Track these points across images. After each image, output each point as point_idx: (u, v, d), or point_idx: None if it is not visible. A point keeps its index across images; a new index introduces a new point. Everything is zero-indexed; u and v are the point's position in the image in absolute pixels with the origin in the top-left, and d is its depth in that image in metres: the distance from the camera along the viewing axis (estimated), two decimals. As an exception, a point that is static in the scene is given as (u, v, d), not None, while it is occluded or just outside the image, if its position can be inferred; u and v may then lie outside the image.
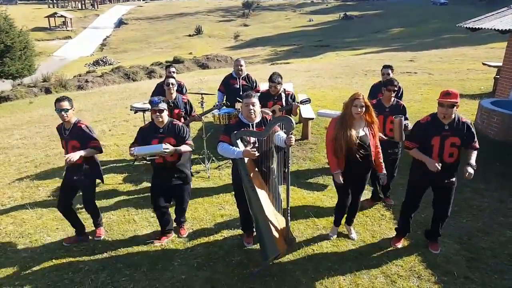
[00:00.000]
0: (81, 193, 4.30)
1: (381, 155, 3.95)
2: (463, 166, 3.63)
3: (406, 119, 4.62)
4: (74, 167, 4.03)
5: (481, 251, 4.00)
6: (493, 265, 3.78)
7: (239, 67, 6.22)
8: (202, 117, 5.53)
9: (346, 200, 4.07)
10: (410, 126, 4.32)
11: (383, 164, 3.95)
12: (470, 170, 3.57)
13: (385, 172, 3.96)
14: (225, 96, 6.38)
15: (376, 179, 4.61)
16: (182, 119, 5.21)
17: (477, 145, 3.68)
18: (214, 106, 5.54)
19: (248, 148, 3.61)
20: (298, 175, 5.90)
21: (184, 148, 4.01)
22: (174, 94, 5.25)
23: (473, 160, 3.64)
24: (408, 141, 3.84)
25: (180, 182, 4.16)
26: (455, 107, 3.53)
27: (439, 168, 3.57)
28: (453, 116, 3.60)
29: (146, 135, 4.03)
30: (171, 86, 5.18)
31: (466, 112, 8.42)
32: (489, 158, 6.03)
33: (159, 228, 4.45)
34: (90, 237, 4.36)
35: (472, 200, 5.04)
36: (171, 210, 4.35)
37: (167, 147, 3.83)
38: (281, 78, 5.29)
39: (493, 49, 20.75)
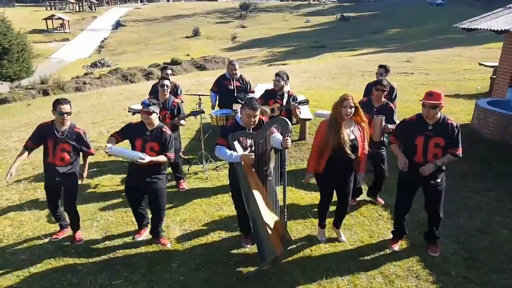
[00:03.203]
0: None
1: (366, 158, 3.96)
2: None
3: (393, 121, 4.61)
4: (58, 168, 4.04)
5: (479, 250, 4.02)
6: (491, 265, 3.79)
7: (233, 71, 6.25)
8: (181, 121, 5.45)
9: (328, 200, 4.11)
10: (390, 127, 4.38)
11: (365, 166, 3.98)
12: (428, 167, 3.56)
13: (363, 175, 4.01)
14: (217, 96, 6.42)
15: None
16: (168, 120, 5.19)
17: (459, 152, 3.61)
18: (191, 112, 5.48)
19: (246, 152, 3.62)
20: (295, 175, 5.91)
21: (160, 158, 3.94)
22: (167, 96, 5.30)
23: (440, 161, 3.60)
24: (392, 136, 3.92)
25: (152, 185, 4.03)
26: (437, 108, 3.54)
27: (406, 167, 3.65)
28: (438, 116, 3.60)
29: (132, 131, 4.04)
30: (165, 88, 5.22)
31: (463, 112, 8.46)
32: (486, 158, 6.06)
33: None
34: (70, 243, 4.30)
35: (469, 199, 5.05)
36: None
37: (144, 158, 3.75)
38: (287, 77, 5.31)
39: (490, 49, 20.84)
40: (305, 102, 5.26)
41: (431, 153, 3.63)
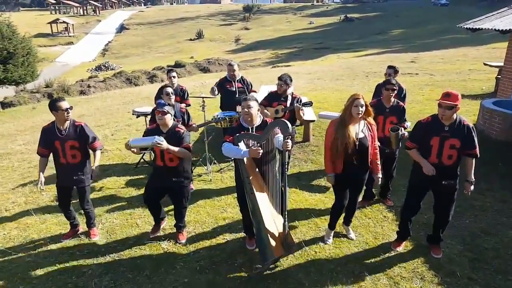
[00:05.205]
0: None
1: (379, 156, 3.95)
2: (462, 180, 3.70)
3: (404, 120, 4.62)
4: (72, 167, 4.11)
5: (484, 251, 4.00)
6: (497, 266, 3.77)
7: (232, 72, 6.25)
8: (199, 128, 5.49)
9: (343, 202, 4.04)
10: (406, 134, 4.41)
11: (379, 165, 3.96)
12: (470, 187, 3.70)
13: (380, 175, 3.96)
14: (219, 96, 6.42)
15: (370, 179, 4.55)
16: None
17: (477, 152, 3.61)
18: (212, 119, 5.51)
19: (253, 147, 3.64)
20: (299, 177, 5.91)
21: (178, 150, 3.94)
22: (172, 103, 5.20)
23: (471, 175, 3.67)
24: (409, 141, 3.85)
25: (177, 185, 4.15)
26: (454, 109, 3.49)
27: (434, 172, 3.59)
28: (454, 117, 3.56)
29: (151, 135, 4.08)
30: (170, 95, 5.16)
31: (468, 112, 8.41)
32: (491, 159, 6.01)
33: (162, 233, 4.49)
34: (87, 239, 4.39)
35: (474, 200, 5.02)
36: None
37: (161, 140, 3.78)
38: (291, 80, 5.32)
39: (495, 49, 20.72)
40: (309, 103, 5.26)
41: (446, 154, 3.59)
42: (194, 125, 5.39)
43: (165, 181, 4.12)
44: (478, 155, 3.63)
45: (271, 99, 5.33)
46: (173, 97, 5.25)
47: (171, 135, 4.02)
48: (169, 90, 5.24)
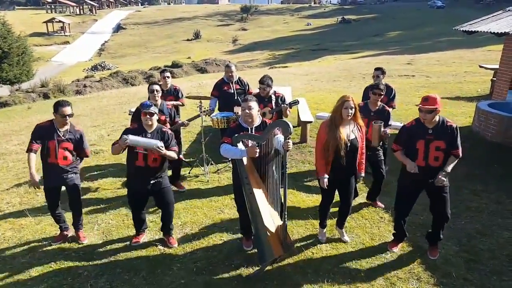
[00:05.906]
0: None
1: (364, 156, 4.01)
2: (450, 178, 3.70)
3: (388, 125, 4.64)
4: (62, 167, 4.09)
5: (479, 252, 4.01)
6: (492, 267, 3.79)
7: (230, 73, 6.21)
8: (189, 123, 5.47)
9: (328, 203, 4.15)
10: (387, 132, 4.46)
11: (363, 165, 4.00)
12: (442, 176, 3.59)
13: (363, 174, 4.03)
14: (217, 101, 6.34)
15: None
16: (168, 125, 5.08)
17: (459, 152, 3.65)
18: (200, 113, 5.43)
19: (250, 146, 3.63)
20: (297, 178, 5.91)
21: (170, 153, 3.99)
22: (159, 101, 5.15)
23: (449, 167, 3.63)
24: (394, 144, 3.91)
25: (157, 187, 4.07)
26: (434, 112, 3.54)
27: (417, 170, 3.65)
28: (436, 119, 3.62)
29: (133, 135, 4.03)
30: (155, 93, 5.08)
31: (464, 114, 8.47)
32: (487, 160, 6.06)
33: (159, 233, 4.46)
34: (78, 243, 4.35)
35: (470, 202, 5.05)
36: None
37: (162, 146, 3.81)
38: (271, 81, 5.36)
39: (490, 51, 20.84)
40: (296, 102, 5.31)
41: (432, 156, 3.63)
42: (184, 122, 5.37)
43: (144, 183, 3.98)
44: (460, 155, 3.67)
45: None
46: (159, 94, 5.15)
47: (157, 136, 3.98)
48: (156, 87, 5.14)
